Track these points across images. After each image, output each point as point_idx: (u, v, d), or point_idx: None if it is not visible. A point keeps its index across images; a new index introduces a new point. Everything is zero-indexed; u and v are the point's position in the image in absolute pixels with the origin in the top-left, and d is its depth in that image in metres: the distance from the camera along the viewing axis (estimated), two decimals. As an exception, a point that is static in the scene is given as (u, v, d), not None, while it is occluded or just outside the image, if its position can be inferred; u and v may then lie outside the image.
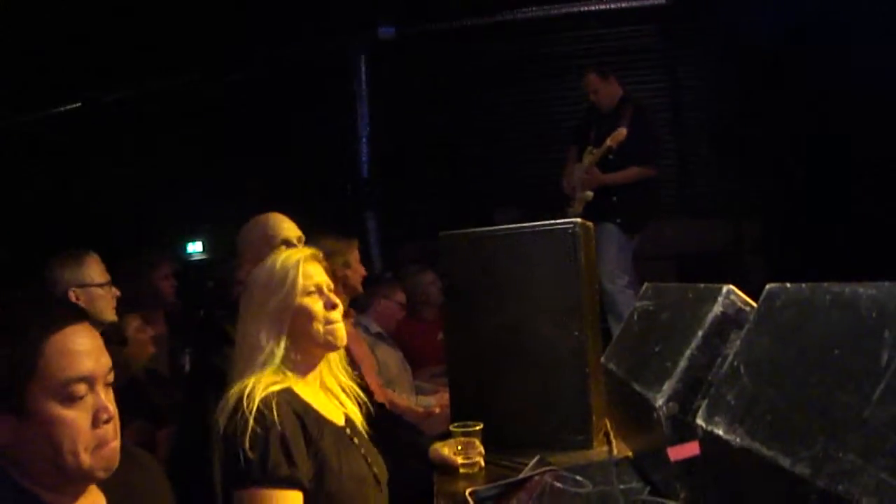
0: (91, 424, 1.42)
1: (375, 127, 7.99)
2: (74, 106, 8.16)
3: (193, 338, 4.19)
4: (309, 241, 3.04)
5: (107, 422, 1.44)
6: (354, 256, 3.85)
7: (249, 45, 7.79)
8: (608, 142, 5.43)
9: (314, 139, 7.92)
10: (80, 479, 1.45)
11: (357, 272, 3.85)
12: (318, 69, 7.96)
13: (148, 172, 7.93)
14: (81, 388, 1.41)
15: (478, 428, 2.48)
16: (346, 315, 3.81)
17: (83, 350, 1.43)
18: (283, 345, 2.04)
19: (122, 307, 3.50)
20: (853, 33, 5.57)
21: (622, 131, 5.38)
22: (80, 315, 1.49)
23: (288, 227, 3.09)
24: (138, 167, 7.94)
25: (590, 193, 5.58)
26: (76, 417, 1.40)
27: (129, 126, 8.05)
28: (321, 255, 2.23)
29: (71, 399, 1.40)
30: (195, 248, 8.47)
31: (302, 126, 7.99)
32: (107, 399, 1.46)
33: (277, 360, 2.02)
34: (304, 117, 8.03)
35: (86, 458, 1.41)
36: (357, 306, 4.13)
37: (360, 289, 3.90)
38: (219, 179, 7.78)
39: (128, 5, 6.84)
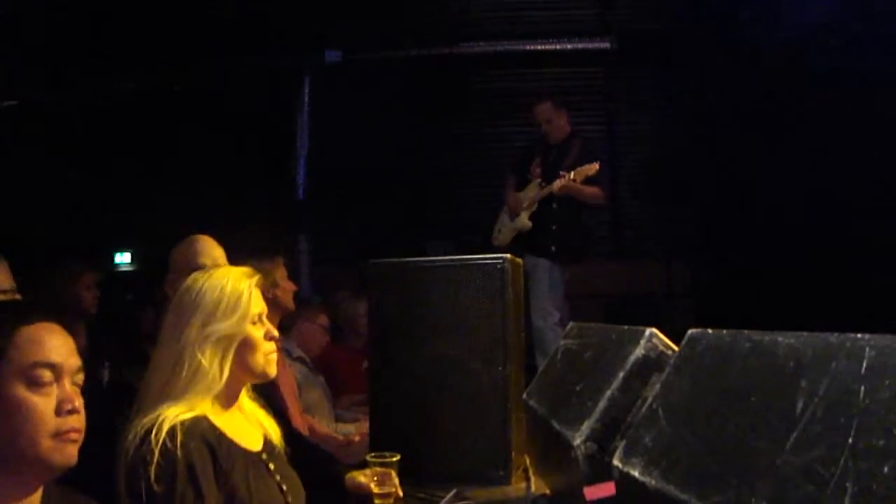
0: (54, 412, 1.43)
1: (315, 150, 7.95)
2: (8, 104, 7.96)
3: (113, 352, 4.09)
4: (233, 263, 3.00)
5: (70, 412, 1.44)
6: (281, 274, 3.79)
7: (194, 58, 7.71)
8: (573, 174, 5.40)
9: (252, 158, 7.85)
10: (35, 469, 1.43)
11: (286, 290, 3.79)
12: (261, 88, 7.91)
13: (80, 180, 7.76)
14: (47, 374, 1.43)
15: (395, 459, 2.44)
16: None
17: (51, 343, 1.46)
18: (226, 372, 1.98)
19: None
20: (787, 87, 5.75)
21: (595, 167, 5.37)
22: (54, 316, 1.52)
23: (218, 255, 3.04)
24: (71, 173, 7.76)
25: (528, 222, 5.60)
26: (39, 402, 1.41)
27: (63, 131, 7.88)
28: (262, 283, 2.19)
29: (36, 383, 1.42)
30: (123, 258, 8.30)
31: (240, 144, 7.91)
32: (74, 395, 1.46)
33: (220, 387, 1.97)
34: (243, 135, 7.95)
35: (44, 443, 1.40)
36: (280, 329, 4.07)
37: (291, 306, 3.85)
38: (153, 191, 7.64)
39: (78, 8, 6.74)
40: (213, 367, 1.96)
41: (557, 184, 5.49)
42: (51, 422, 1.42)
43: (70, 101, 7.85)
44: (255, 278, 2.11)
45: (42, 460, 1.41)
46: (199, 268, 2.87)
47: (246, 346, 2.02)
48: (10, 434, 1.39)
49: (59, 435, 1.43)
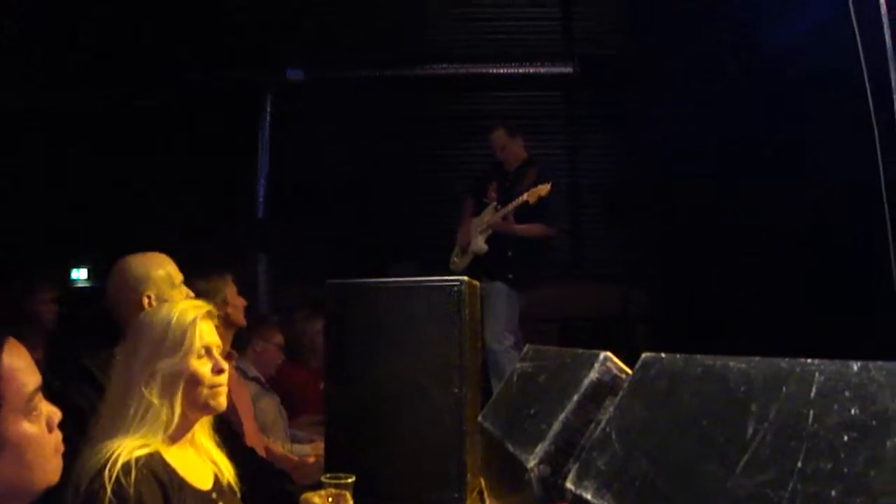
0: (46, 431, 1.39)
1: (275, 168, 7.91)
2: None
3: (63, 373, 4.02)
4: (183, 283, 2.97)
5: (52, 429, 1.42)
6: (231, 291, 3.77)
7: (155, 73, 7.64)
8: (525, 196, 5.46)
9: (212, 174, 7.78)
10: (33, 497, 1.39)
11: (237, 306, 3.76)
12: (222, 105, 7.86)
13: (37, 193, 7.63)
14: (37, 400, 1.38)
15: (350, 480, 2.42)
16: (228, 357, 3.72)
17: (29, 363, 1.40)
18: (177, 409, 1.97)
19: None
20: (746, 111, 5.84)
21: (545, 187, 5.43)
22: (7, 332, 1.45)
23: (159, 275, 2.98)
24: (29, 185, 7.64)
25: (484, 247, 5.63)
26: (36, 429, 1.37)
27: (19, 142, 7.75)
28: (215, 312, 2.17)
29: (34, 411, 1.37)
30: (80, 274, 8.16)
31: (200, 160, 7.84)
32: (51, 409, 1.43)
33: (175, 424, 1.96)
34: (203, 151, 7.88)
35: (50, 468, 1.38)
36: (234, 347, 4.04)
37: (243, 322, 3.82)
38: (112, 207, 7.54)
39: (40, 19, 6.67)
40: (164, 405, 1.96)
41: (490, 217, 5.61)
42: (50, 445, 1.39)
43: (29, 111, 7.72)
44: (203, 310, 2.10)
45: (48, 486, 1.39)
46: (138, 287, 2.84)
47: (192, 383, 2.01)
48: (18, 473, 1.33)
49: (55, 454, 1.41)
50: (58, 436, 1.42)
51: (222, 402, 2.08)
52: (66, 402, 2.66)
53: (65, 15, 7.19)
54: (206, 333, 2.07)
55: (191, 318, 2.04)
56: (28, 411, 1.35)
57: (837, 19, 4.10)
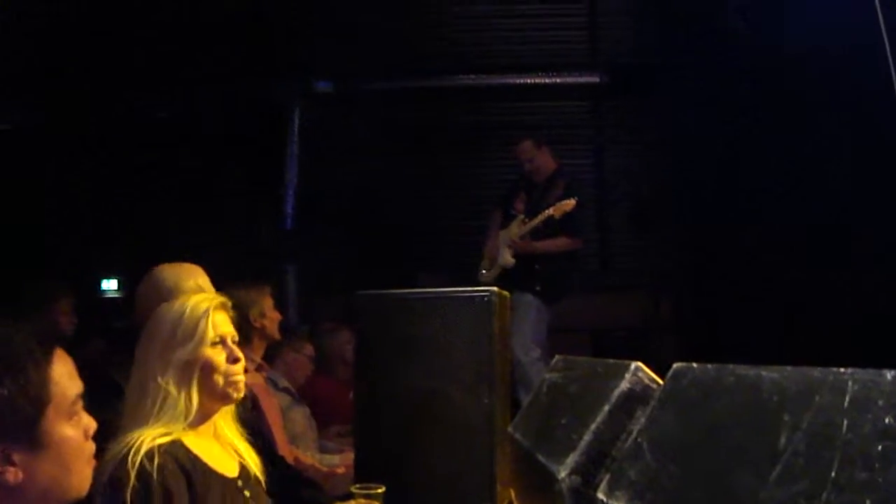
0: (84, 439, 1.43)
1: (304, 179, 7.95)
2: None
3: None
4: (219, 291, 2.98)
5: (90, 436, 1.46)
6: (268, 303, 3.79)
7: (183, 84, 7.72)
8: (551, 210, 5.43)
9: (240, 186, 7.85)
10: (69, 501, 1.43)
11: (273, 320, 3.79)
12: (251, 116, 7.92)
13: (69, 205, 7.73)
14: (79, 406, 1.43)
15: (380, 491, 2.42)
16: (259, 368, 3.74)
17: (73, 370, 1.45)
18: (195, 397, 2.00)
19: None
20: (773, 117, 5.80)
21: (571, 202, 5.40)
22: (55, 342, 1.49)
23: (190, 285, 3.00)
24: (60, 198, 7.74)
25: (511, 259, 5.62)
26: (76, 434, 1.41)
27: (52, 155, 7.85)
28: (230, 303, 2.19)
29: (75, 416, 1.41)
30: (110, 285, 8.25)
31: (229, 172, 7.91)
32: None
33: (193, 412, 1.98)
34: (232, 164, 7.95)
35: (84, 476, 1.43)
36: (265, 358, 4.06)
37: (277, 336, 3.85)
38: (143, 218, 7.62)
39: (65, 33, 6.75)
40: (181, 394, 1.98)
41: (517, 230, 5.66)
42: (87, 450, 1.44)
43: (59, 125, 7.82)
44: (216, 301, 2.13)
45: (79, 494, 1.43)
46: (167, 297, 2.86)
47: (207, 371, 2.04)
48: (60, 474, 1.38)
49: (89, 461, 1.45)
50: (92, 446, 1.46)
51: (241, 389, 2.10)
52: (95, 415, 2.70)
53: (88, 29, 7.29)
54: (220, 323, 2.10)
55: (203, 308, 2.07)
56: (71, 415, 1.40)
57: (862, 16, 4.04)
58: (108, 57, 7.33)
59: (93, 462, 1.46)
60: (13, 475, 1.32)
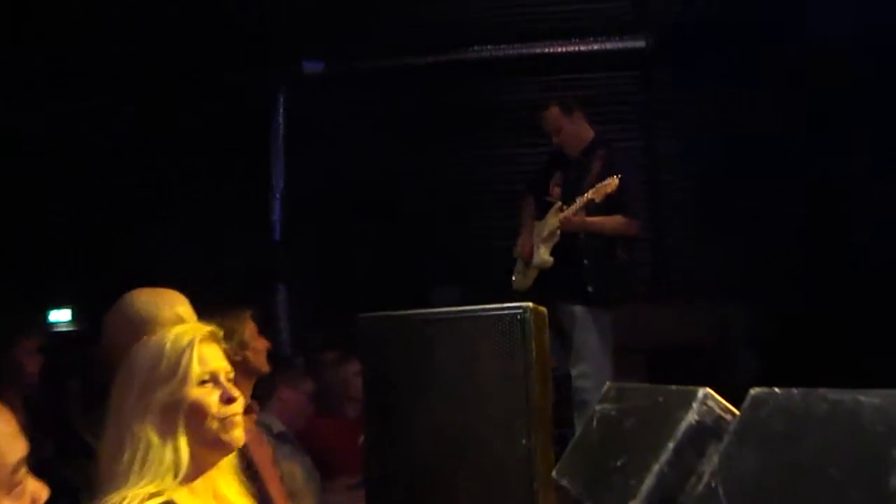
0: None
1: (292, 181, 7.96)
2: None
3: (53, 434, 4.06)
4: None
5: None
6: (250, 330, 3.77)
7: (143, 73, 7.74)
8: (590, 194, 5.16)
9: (216, 191, 7.85)
10: None
11: (258, 350, 3.76)
12: (228, 108, 7.91)
13: (12, 222, 7.77)
14: (22, 473, 1.43)
15: (399, 555, 2.43)
16: (247, 410, 3.74)
17: (14, 429, 1.45)
18: (183, 447, 1.99)
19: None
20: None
21: (614, 181, 5.06)
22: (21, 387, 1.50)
23: (168, 314, 3.00)
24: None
25: (549, 258, 5.40)
26: None
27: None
28: (220, 333, 2.19)
29: (15, 488, 1.40)
30: (59, 316, 8.25)
31: (202, 173, 7.89)
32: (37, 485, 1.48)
33: (184, 466, 1.97)
34: (206, 165, 7.93)
35: None
36: (255, 398, 4.06)
37: (265, 368, 3.82)
38: (98, 234, 7.62)
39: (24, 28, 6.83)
40: (166, 444, 1.97)
41: (555, 220, 5.40)
42: None
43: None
44: (203, 332, 2.13)
45: None
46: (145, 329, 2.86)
47: (195, 414, 2.03)
48: None
49: None
50: None
51: (239, 437, 2.10)
52: (56, 477, 2.71)
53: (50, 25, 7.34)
54: (210, 358, 2.09)
55: (186, 340, 2.07)
56: (10, 486, 1.38)
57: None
58: (56, 50, 7.37)
59: None
60: None
